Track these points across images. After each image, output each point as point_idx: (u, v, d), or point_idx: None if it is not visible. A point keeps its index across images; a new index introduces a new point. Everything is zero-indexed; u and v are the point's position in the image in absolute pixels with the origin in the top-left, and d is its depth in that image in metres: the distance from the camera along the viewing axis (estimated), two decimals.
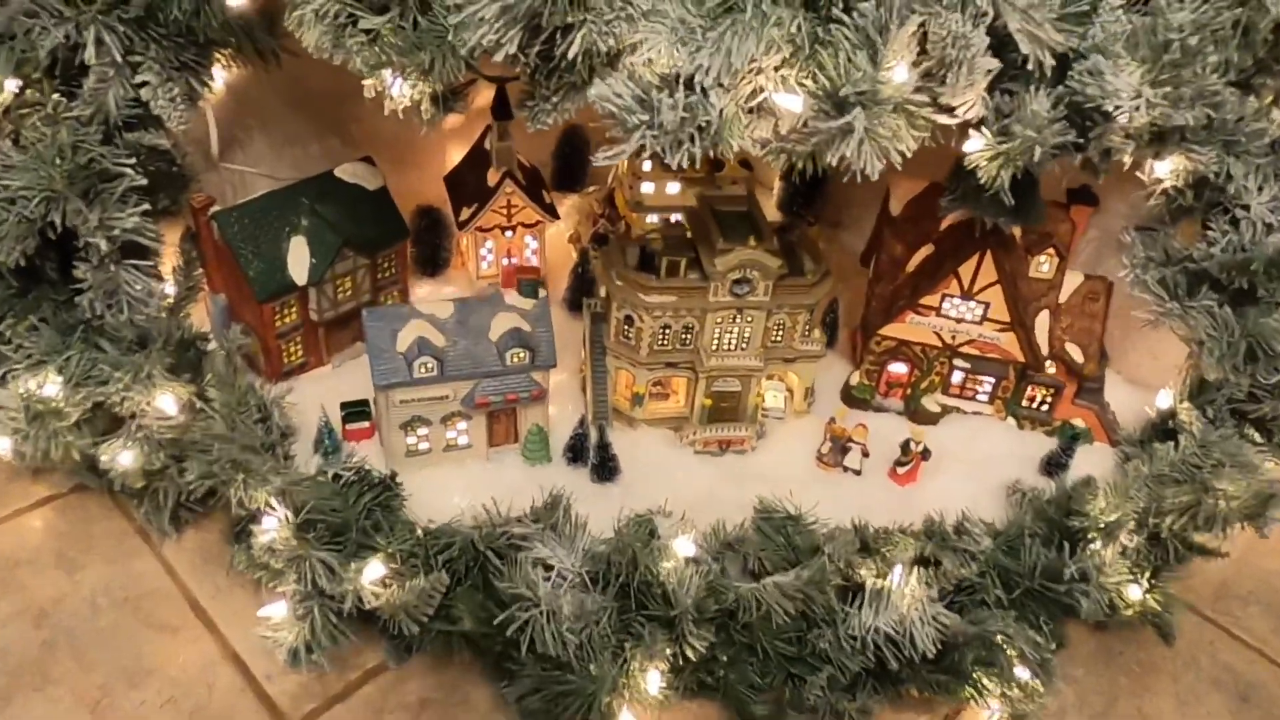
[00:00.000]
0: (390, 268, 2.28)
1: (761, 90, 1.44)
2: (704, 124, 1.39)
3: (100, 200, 1.79)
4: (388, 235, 2.22)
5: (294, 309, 2.13)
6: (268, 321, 2.10)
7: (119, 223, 1.81)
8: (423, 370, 1.90)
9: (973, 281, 2.10)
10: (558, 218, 2.43)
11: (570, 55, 1.43)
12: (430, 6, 1.50)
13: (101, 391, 1.81)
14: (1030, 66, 1.43)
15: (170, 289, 2.06)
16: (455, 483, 2.03)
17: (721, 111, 1.42)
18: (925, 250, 2.17)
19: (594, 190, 2.74)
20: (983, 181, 1.52)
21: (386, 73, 1.54)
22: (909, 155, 1.48)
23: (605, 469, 2.05)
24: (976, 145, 1.50)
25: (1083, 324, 2.20)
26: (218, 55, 1.91)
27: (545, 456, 2.09)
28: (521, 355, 1.95)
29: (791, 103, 1.43)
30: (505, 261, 2.48)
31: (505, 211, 2.38)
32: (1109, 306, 2.22)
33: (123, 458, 1.85)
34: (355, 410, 2.07)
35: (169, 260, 2.09)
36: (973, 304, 2.13)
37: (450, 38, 1.45)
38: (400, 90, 1.57)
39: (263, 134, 2.24)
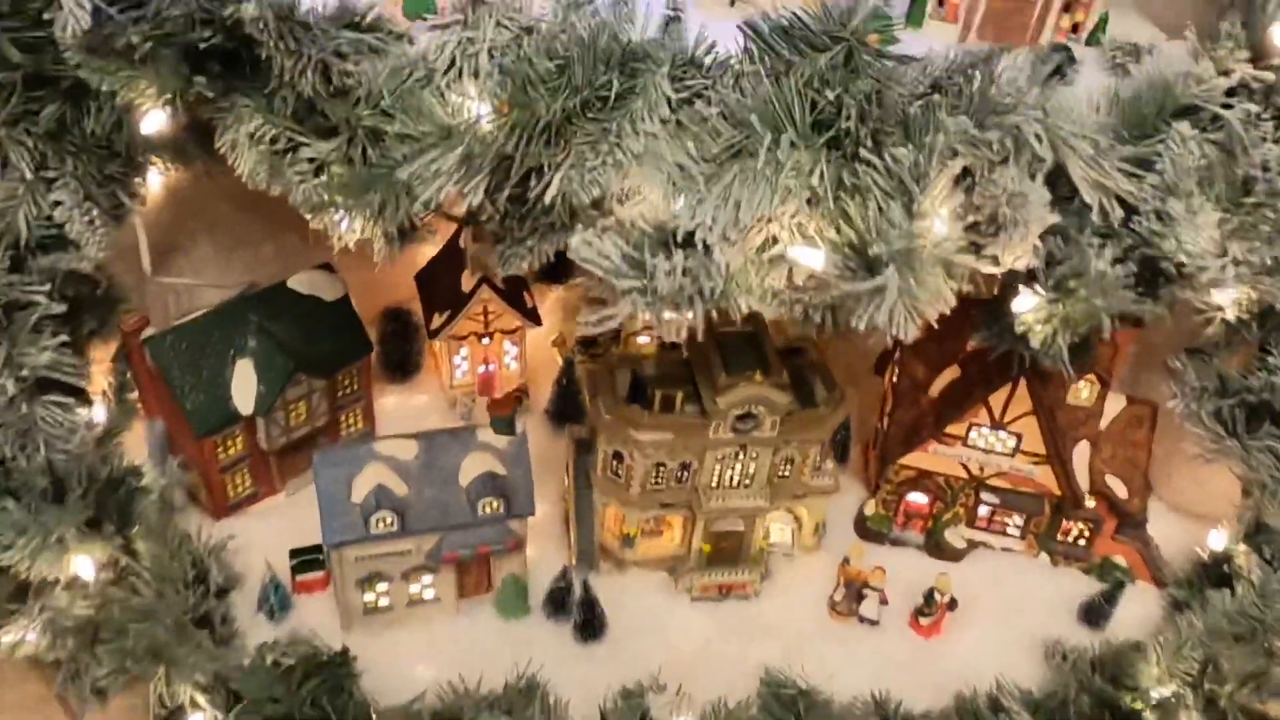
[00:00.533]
0: (352, 385, 2.04)
1: (775, 241, 1.22)
2: (707, 289, 1.16)
3: (8, 335, 1.55)
4: (348, 352, 1.99)
5: (239, 439, 1.89)
6: (209, 456, 1.86)
7: (30, 359, 1.57)
8: (381, 525, 1.66)
9: (1004, 411, 1.87)
10: (540, 323, 2.20)
11: (547, 200, 1.21)
12: (382, 136, 1.27)
13: (3, 558, 1.57)
14: (1095, 216, 1.21)
15: (100, 415, 1.82)
16: (419, 645, 1.79)
17: (727, 266, 1.20)
18: (950, 373, 1.95)
19: (580, 282, 2.50)
20: (1035, 345, 1.29)
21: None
22: (948, 313, 1.25)
23: (590, 628, 1.80)
24: (1027, 304, 1.27)
25: (1125, 454, 1.97)
26: (152, 160, 1.69)
27: (523, 609, 1.85)
28: (495, 505, 1.71)
29: (811, 258, 1.21)
30: (482, 369, 2.24)
31: (482, 318, 2.14)
32: (1154, 433, 1.99)
33: (28, 638, 1.60)
34: (307, 559, 1.82)
35: (101, 377, 1.85)
36: (1004, 434, 1.90)
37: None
38: (349, 226, 1.34)
39: (208, 238, 2.00)
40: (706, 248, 1.16)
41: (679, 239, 1.16)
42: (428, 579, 1.77)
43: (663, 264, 1.13)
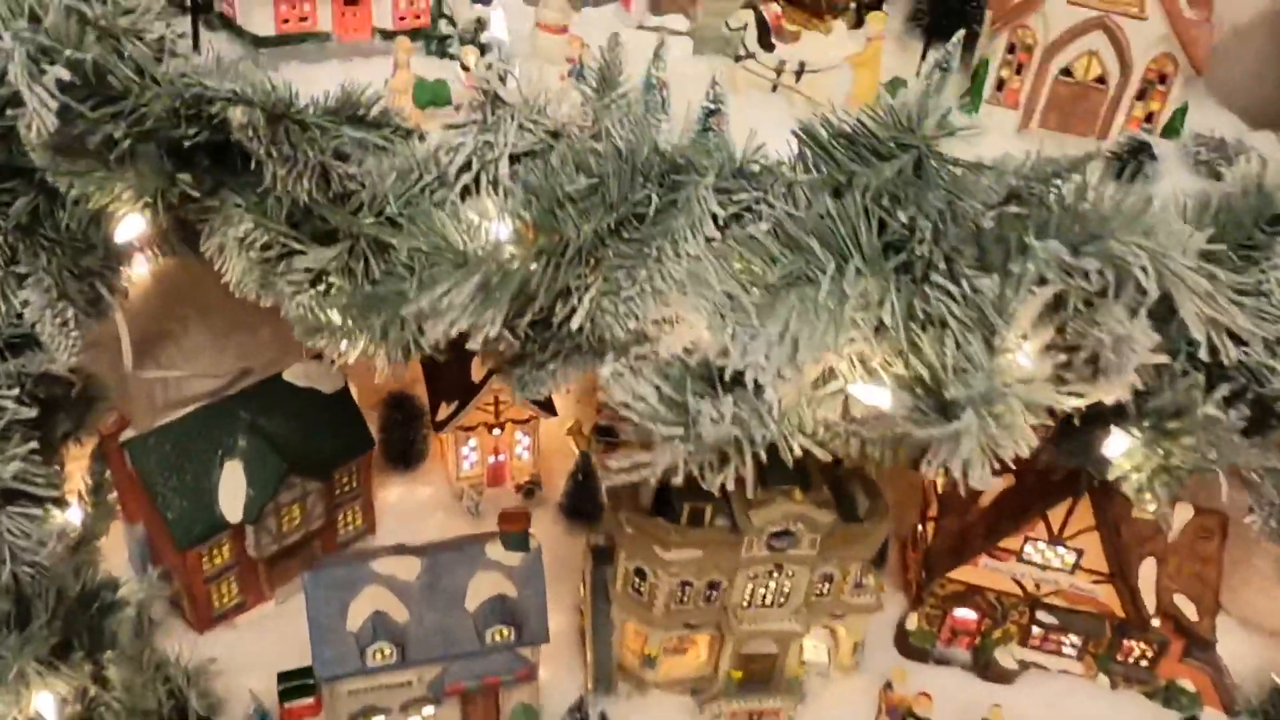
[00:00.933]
0: (350, 482, 1.88)
1: (833, 374, 1.07)
2: (758, 436, 1.01)
3: None
4: (347, 449, 1.83)
5: (226, 547, 1.73)
6: (192, 566, 1.70)
7: None
8: (379, 657, 1.50)
9: (1064, 525, 1.71)
10: (555, 413, 2.05)
11: (573, 326, 1.06)
12: (387, 247, 1.12)
13: None
14: (1203, 353, 1.06)
15: (76, 518, 1.66)
16: None
17: (780, 403, 1.04)
18: (1004, 481, 1.78)
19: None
20: (1130, 493, 1.13)
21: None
22: (1026, 455, 1.10)
23: None
24: (1120, 448, 1.12)
25: (1193, 568, 1.81)
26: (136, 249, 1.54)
27: None
28: (505, 633, 1.54)
29: (876, 396, 1.05)
30: (492, 459, 2.09)
31: (492, 408, 1.99)
32: (1224, 546, 1.83)
33: None
34: (296, 684, 1.65)
35: (76, 474, 1.70)
36: (1063, 550, 1.74)
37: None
38: (349, 345, 1.20)
39: (200, 324, 1.86)
40: (758, 387, 1.01)
41: (726, 377, 1.01)
42: (429, 710, 1.61)
43: (708, 409, 0.98)
